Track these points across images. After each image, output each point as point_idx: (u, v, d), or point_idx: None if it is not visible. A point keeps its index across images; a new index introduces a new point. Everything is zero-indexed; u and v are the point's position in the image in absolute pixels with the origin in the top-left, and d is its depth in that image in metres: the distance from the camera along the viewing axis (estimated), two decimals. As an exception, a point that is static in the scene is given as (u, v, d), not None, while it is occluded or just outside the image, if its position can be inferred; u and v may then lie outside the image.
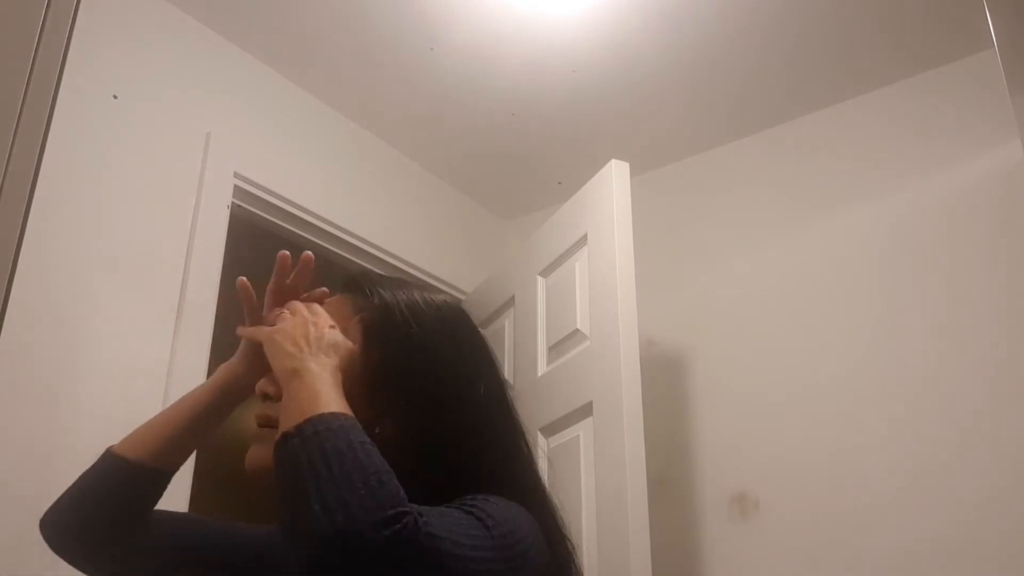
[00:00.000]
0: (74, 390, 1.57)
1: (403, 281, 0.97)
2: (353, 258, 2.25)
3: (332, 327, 0.85)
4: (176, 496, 1.62)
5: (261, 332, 0.86)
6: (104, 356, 1.62)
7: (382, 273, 1.02)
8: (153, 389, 1.67)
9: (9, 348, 1.45)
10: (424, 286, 0.98)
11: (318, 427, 0.71)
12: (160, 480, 0.96)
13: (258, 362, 0.90)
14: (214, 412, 0.98)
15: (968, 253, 1.91)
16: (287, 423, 0.73)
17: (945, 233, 1.95)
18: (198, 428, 0.97)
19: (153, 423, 0.98)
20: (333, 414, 0.73)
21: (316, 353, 0.80)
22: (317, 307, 0.88)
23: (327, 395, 0.75)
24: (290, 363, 0.79)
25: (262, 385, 0.89)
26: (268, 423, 0.87)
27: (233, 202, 1.93)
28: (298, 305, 0.88)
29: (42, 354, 1.53)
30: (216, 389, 0.97)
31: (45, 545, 0.96)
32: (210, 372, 1.77)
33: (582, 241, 1.99)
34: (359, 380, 0.84)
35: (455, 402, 0.87)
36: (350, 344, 0.84)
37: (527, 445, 0.93)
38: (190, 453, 1.00)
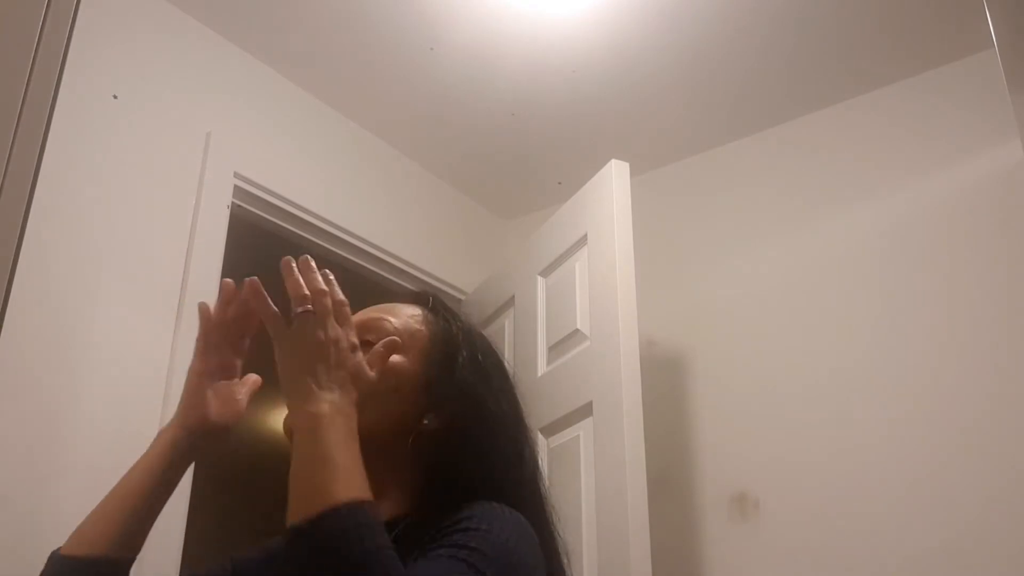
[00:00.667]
0: (74, 390, 1.57)
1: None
2: (353, 258, 2.25)
3: (355, 348, 0.81)
4: (175, 497, 1.63)
5: (278, 327, 0.80)
6: (104, 356, 1.62)
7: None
8: (153, 389, 1.67)
9: (9, 348, 1.45)
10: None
11: (336, 528, 0.69)
12: (120, 572, 0.87)
13: (203, 422, 0.89)
14: (166, 481, 0.90)
15: (968, 253, 1.91)
16: (299, 505, 0.71)
17: (945, 233, 1.95)
18: (153, 502, 0.89)
19: (101, 511, 0.89)
20: (351, 507, 0.70)
21: (332, 387, 0.77)
22: (345, 314, 0.82)
23: (343, 467, 0.73)
24: (301, 397, 0.76)
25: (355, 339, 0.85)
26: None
27: (233, 202, 1.93)
28: (324, 305, 0.80)
29: (42, 354, 1.53)
30: (164, 456, 0.89)
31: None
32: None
33: (582, 241, 1.99)
34: (421, 373, 0.92)
35: (491, 411, 0.94)
36: (371, 376, 0.82)
37: (535, 456, 0.99)
38: (148, 530, 0.90)
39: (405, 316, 0.96)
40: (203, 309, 0.92)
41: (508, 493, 0.86)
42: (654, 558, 1.65)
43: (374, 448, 0.83)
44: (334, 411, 0.76)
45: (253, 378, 0.96)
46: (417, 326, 0.96)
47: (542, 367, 2.07)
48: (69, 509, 1.49)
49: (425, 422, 0.90)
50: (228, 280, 0.91)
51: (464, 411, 0.92)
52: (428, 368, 0.93)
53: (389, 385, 0.88)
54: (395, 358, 0.90)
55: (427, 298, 1.02)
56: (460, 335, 0.98)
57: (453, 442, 0.90)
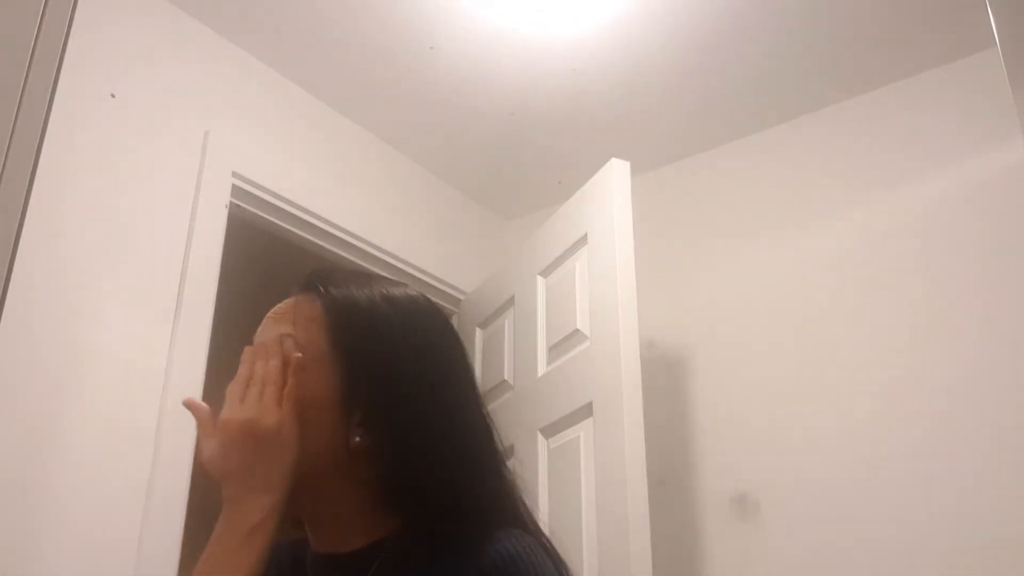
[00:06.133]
0: (72, 390, 1.56)
1: (364, 275, 0.90)
2: (352, 257, 2.24)
3: (274, 419, 0.76)
4: (175, 497, 1.62)
5: (204, 426, 0.79)
6: (102, 355, 1.62)
7: (343, 268, 0.91)
8: (151, 388, 1.67)
9: (8, 348, 1.45)
10: (386, 280, 0.90)
11: None
12: None
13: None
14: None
15: (970, 252, 1.91)
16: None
17: (947, 233, 1.95)
18: None
19: None
20: None
21: (248, 483, 0.74)
22: (269, 376, 0.78)
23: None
24: (224, 489, 0.75)
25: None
26: None
27: (232, 202, 1.93)
28: (248, 382, 0.78)
29: (40, 355, 1.53)
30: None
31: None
32: (208, 371, 1.76)
33: (582, 241, 1.99)
34: (330, 387, 0.79)
35: (423, 407, 0.80)
36: (290, 447, 0.76)
37: (500, 449, 0.85)
38: None
39: (302, 317, 0.82)
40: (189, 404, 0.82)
41: (485, 504, 0.79)
42: (654, 558, 1.65)
43: (313, 483, 0.79)
44: (240, 518, 0.73)
45: None
46: (313, 325, 0.82)
47: (542, 367, 2.07)
48: (69, 508, 1.49)
49: (356, 439, 0.78)
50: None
51: (396, 410, 0.79)
52: (338, 371, 0.80)
53: (303, 418, 0.77)
54: (293, 381, 0.78)
55: (309, 279, 0.86)
56: (364, 307, 0.83)
57: (393, 455, 0.78)
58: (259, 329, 0.86)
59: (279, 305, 0.87)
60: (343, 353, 0.81)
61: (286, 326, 0.83)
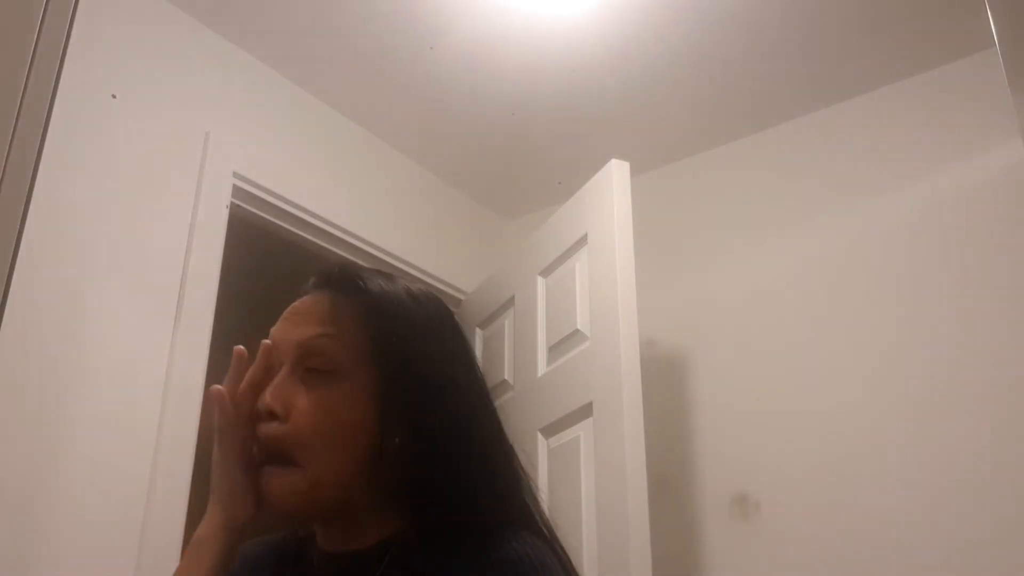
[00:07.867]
0: (73, 390, 1.56)
1: (386, 274, 0.88)
2: (352, 257, 2.24)
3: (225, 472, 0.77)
4: (175, 496, 1.62)
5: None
6: (103, 356, 1.62)
7: (365, 266, 0.89)
8: (152, 388, 1.67)
9: (8, 348, 1.45)
10: (404, 276, 0.90)
11: None
12: None
13: (251, 515, 0.77)
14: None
15: (970, 252, 1.91)
16: None
17: (946, 232, 1.95)
18: None
19: None
20: None
21: (216, 501, 0.78)
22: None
23: None
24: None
25: (268, 403, 0.77)
26: (280, 458, 0.76)
27: (232, 202, 1.93)
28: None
29: (41, 355, 1.53)
30: (220, 569, 0.76)
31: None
32: (209, 372, 1.76)
33: (582, 241, 1.99)
34: (370, 390, 0.78)
35: (451, 408, 0.81)
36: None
37: (509, 444, 0.86)
38: None
39: (344, 316, 0.80)
40: (217, 394, 0.78)
41: (500, 506, 0.79)
42: (654, 559, 1.65)
43: (345, 486, 0.78)
44: (203, 535, 0.77)
45: None
46: (355, 324, 0.80)
47: (542, 367, 2.07)
48: (68, 509, 1.49)
49: (397, 441, 0.77)
50: (240, 348, 0.81)
51: (428, 411, 0.79)
52: (376, 373, 0.79)
53: (342, 431, 0.77)
54: (331, 398, 0.77)
55: (329, 276, 0.84)
56: (399, 308, 0.82)
57: (420, 456, 0.78)
58: (275, 328, 0.83)
59: (299, 303, 0.84)
60: (382, 354, 0.80)
61: (322, 326, 0.80)
